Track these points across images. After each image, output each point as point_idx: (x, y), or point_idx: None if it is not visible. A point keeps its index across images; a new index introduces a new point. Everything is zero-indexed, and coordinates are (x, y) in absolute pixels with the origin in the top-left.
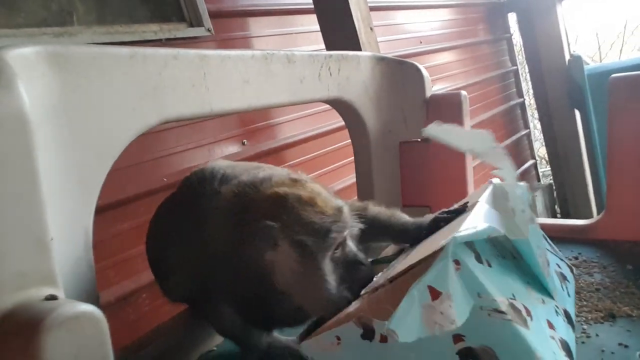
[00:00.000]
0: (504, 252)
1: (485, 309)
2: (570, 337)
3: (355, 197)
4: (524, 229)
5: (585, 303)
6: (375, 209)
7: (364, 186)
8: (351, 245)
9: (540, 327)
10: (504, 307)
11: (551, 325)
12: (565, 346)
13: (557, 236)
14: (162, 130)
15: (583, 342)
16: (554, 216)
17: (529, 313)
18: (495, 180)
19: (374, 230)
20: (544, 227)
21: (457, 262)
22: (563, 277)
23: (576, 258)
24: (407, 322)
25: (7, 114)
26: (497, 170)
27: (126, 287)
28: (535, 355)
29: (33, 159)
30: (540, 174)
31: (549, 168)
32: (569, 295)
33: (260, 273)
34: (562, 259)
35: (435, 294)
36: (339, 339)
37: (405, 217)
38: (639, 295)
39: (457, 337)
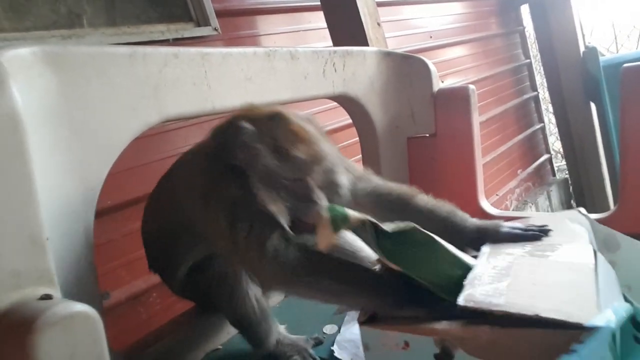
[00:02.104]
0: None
1: None
2: None
3: None
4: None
5: None
6: (426, 200)
7: None
8: (311, 184)
9: None
10: None
11: None
12: None
13: None
14: (171, 130)
15: None
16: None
17: None
18: (584, 212)
19: (425, 223)
20: None
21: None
22: None
23: None
24: None
25: (0, 114)
26: None
27: (137, 287)
28: None
29: (26, 159)
30: (556, 169)
31: (565, 162)
32: None
33: (236, 173)
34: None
35: None
36: (407, 344)
37: (470, 217)
38: None
39: None
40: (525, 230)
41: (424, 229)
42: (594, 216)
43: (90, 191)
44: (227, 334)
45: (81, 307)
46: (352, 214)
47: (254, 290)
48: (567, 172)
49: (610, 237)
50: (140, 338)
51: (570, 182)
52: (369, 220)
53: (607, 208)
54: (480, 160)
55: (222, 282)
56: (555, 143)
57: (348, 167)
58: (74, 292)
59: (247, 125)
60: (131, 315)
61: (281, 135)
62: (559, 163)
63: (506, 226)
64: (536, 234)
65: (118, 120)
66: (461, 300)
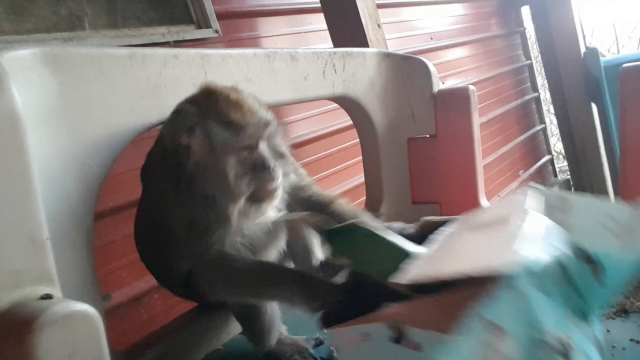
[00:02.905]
0: (556, 276)
1: (538, 343)
2: None
3: (364, 197)
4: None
5: None
6: (339, 206)
7: (372, 184)
8: (263, 152)
9: (581, 358)
10: (555, 342)
11: (586, 355)
12: None
13: None
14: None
15: None
16: None
17: (572, 345)
18: (538, 186)
19: None
20: None
21: (517, 290)
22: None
23: None
24: (459, 355)
25: None
26: None
27: (138, 288)
28: None
29: (26, 159)
30: (557, 169)
31: (566, 163)
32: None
33: (179, 161)
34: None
35: (494, 329)
36: (367, 335)
37: (370, 221)
38: None
39: None
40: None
41: None
42: None
43: (89, 191)
44: (228, 335)
45: (80, 306)
46: (299, 215)
47: None
48: (568, 173)
49: (563, 200)
50: (141, 338)
51: (572, 183)
52: (314, 221)
53: None
54: (480, 161)
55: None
56: (556, 144)
57: (294, 167)
58: (74, 293)
59: (189, 106)
60: (132, 317)
61: (224, 108)
62: (561, 164)
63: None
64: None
65: (117, 120)
66: (396, 279)
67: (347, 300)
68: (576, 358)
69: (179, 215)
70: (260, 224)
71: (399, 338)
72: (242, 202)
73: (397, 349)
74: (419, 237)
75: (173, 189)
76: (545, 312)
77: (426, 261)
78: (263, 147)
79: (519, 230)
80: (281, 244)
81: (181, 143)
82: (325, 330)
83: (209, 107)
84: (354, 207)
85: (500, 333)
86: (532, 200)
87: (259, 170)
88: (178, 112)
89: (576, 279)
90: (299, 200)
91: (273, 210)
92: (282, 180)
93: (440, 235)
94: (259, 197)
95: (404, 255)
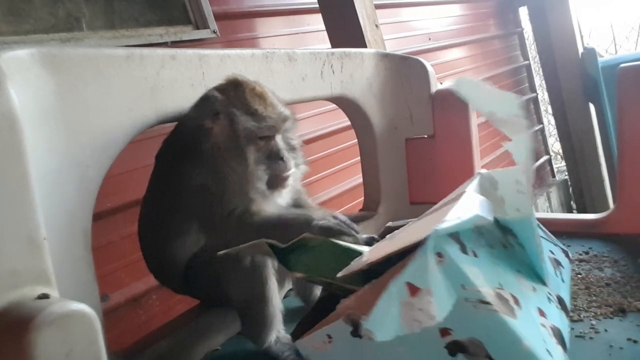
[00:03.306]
0: (493, 241)
1: (470, 301)
2: (563, 323)
3: (362, 198)
4: (525, 209)
5: (595, 298)
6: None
7: (370, 185)
8: (279, 143)
9: (529, 315)
10: (489, 297)
11: (542, 313)
12: (557, 333)
13: (568, 231)
14: (169, 132)
15: (591, 338)
16: (570, 212)
17: (517, 302)
18: (484, 171)
19: None
20: (554, 222)
21: (439, 254)
22: (557, 263)
23: (587, 253)
24: (385, 321)
25: None
26: (509, 143)
27: (137, 289)
28: (522, 343)
29: (24, 159)
30: (555, 170)
31: (564, 163)
32: (563, 281)
33: (199, 141)
34: (556, 244)
35: (414, 290)
36: (330, 337)
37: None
38: None
39: (444, 331)
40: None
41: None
42: (591, 216)
43: (87, 192)
44: (226, 335)
45: (78, 306)
46: (251, 244)
47: (274, 283)
48: (566, 173)
49: (491, 178)
50: (139, 339)
51: (569, 183)
52: (266, 243)
53: (607, 209)
54: (478, 161)
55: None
56: (554, 144)
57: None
58: (72, 293)
59: (217, 94)
60: (130, 318)
61: (249, 99)
62: (559, 164)
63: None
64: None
65: (115, 121)
66: (340, 273)
67: (316, 312)
68: (521, 313)
69: (194, 184)
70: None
71: (357, 331)
72: (258, 186)
73: (359, 341)
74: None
75: (190, 163)
76: (475, 272)
77: (371, 250)
78: (279, 138)
79: (452, 207)
80: None
81: (204, 126)
82: (296, 342)
83: (236, 96)
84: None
85: (421, 292)
86: (474, 183)
87: (274, 159)
88: (206, 98)
89: (493, 241)
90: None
91: (284, 198)
92: (294, 171)
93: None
94: (272, 184)
95: (358, 256)
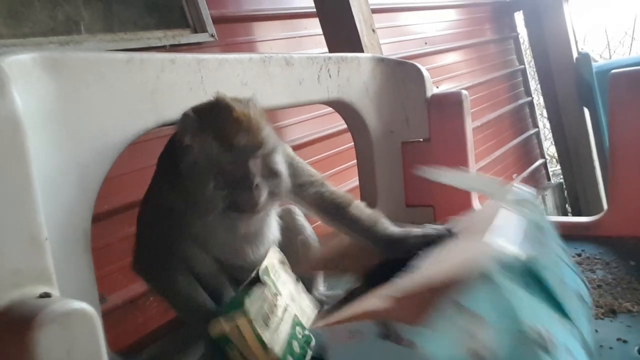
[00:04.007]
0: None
1: (514, 333)
2: None
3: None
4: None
5: None
6: (358, 210)
7: (367, 187)
8: (252, 170)
9: (563, 355)
10: (532, 333)
11: (572, 355)
12: None
13: (562, 233)
14: (168, 135)
15: None
16: (565, 215)
17: (552, 340)
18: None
19: (352, 230)
20: None
21: (494, 281)
22: (580, 298)
23: (579, 255)
24: (438, 342)
25: (1, 117)
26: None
27: (133, 291)
28: None
29: (26, 161)
30: (551, 173)
31: (559, 167)
32: (587, 320)
33: (179, 157)
34: (578, 275)
35: (471, 315)
36: (355, 333)
37: (390, 227)
38: None
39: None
40: (430, 233)
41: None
42: (584, 219)
43: (87, 193)
44: None
45: (79, 304)
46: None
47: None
48: (561, 176)
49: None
50: (136, 339)
51: (565, 186)
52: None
53: (601, 211)
54: (473, 164)
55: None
56: (550, 148)
57: (298, 167)
58: (72, 293)
59: (192, 114)
60: (128, 319)
61: (221, 124)
62: (554, 167)
63: (414, 232)
64: (443, 234)
65: (115, 124)
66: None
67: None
68: (557, 353)
69: (160, 202)
70: (240, 233)
71: (387, 334)
72: (215, 212)
73: (385, 345)
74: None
75: (166, 178)
76: (522, 305)
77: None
78: (252, 164)
79: (491, 226)
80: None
81: (184, 142)
82: (314, 329)
83: (209, 119)
84: (371, 212)
85: (477, 320)
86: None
87: (241, 187)
88: (184, 116)
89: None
90: (308, 196)
91: (258, 222)
92: (266, 197)
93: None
94: (238, 209)
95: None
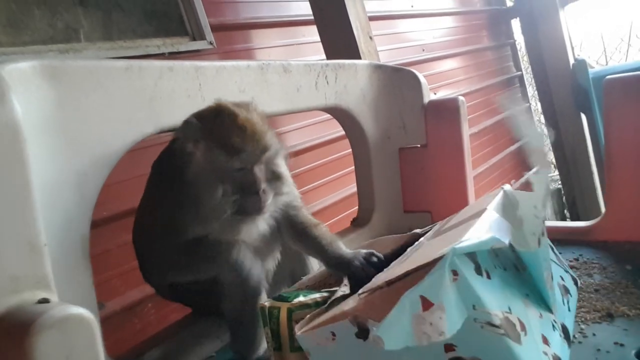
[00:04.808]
0: (507, 262)
1: (479, 322)
2: (564, 353)
3: (356, 207)
4: (532, 241)
5: (583, 303)
6: (318, 232)
7: (364, 193)
8: (257, 175)
9: (533, 342)
10: (498, 320)
11: (546, 341)
12: None
13: (559, 238)
14: (166, 142)
15: (580, 342)
16: (564, 220)
17: (523, 327)
18: (507, 187)
19: (311, 251)
20: (547, 229)
21: (455, 272)
22: (566, 290)
23: (577, 259)
24: (395, 331)
25: (0, 124)
26: (532, 174)
27: (132, 297)
28: None
29: (26, 167)
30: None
31: (557, 172)
32: (569, 309)
33: (182, 164)
34: (567, 271)
35: (427, 304)
36: (334, 335)
37: (342, 249)
38: (637, 295)
39: (449, 347)
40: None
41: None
42: (582, 224)
43: (86, 200)
44: (221, 342)
45: (77, 310)
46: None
47: (265, 299)
48: (559, 182)
49: (513, 197)
50: (134, 345)
51: (563, 192)
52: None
53: (599, 216)
54: (470, 170)
55: (236, 281)
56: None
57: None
58: (70, 299)
59: (195, 121)
60: (126, 326)
61: (226, 130)
62: (552, 173)
63: (357, 260)
64: (377, 264)
65: (114, 131)
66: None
67: None
68: (527, 338)
69: (164, 209)
70: (246, 237)
71: (363, 332)
72: (223, 217)
73: (363, 343)
74: None
75: (167, 185)
76: (486, 293)
77: (387, 270)
78: (258, 169)
79: (472, 224)
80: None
81: (187, 150)
82: (297, 335)
83: (213, 125)
84: (330, 235)
85: (434, 308)
86: (496, 200)
87: (248, 192)
88: (186, 123)
89: (506, 263)
90: (287, 217)
91: (261, 226)
92: (272, 201)
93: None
94: (246, 213)
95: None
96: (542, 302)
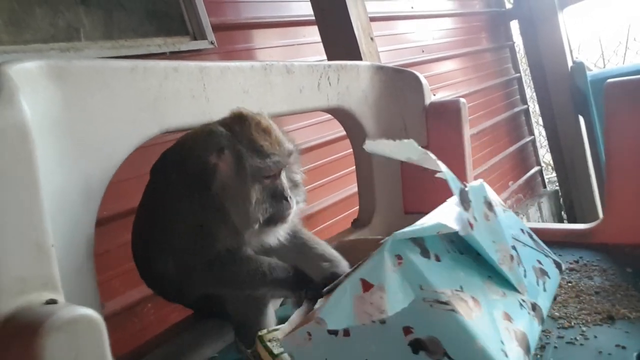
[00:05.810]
0: (465, 249)
1: (427, 301)
2: (533, 329)
3: (357, 207)
4: (465, 225)
5: (584, 306)
6: (305, 237)
7: (365, 194)
8: (284, 181)
9: (490, 317)
10: (445, 297)
11: (508, 317)
12: (522, 337)
13: (559, 241)
14: (169, 142)
15: (581, 344)
16: (561, 222)
17: (477, 304)
18: (475, 184)
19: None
20: (545, 232)
21: (399, 257)
22: (542, 273)
23: (577, 262)
24: (337, 312)
25: (9, 125)
26: (439, 173)
27: (132, 297)
28: (476, 342)
29: (34, 168)
30: (546, 180)
31: (555, 174)
32: (544, 290)
33: (204, 177)
34: (547, 255)
35: (367, 285)
36: (309, 334)
37: (329, 255)
38: (638, 298)
39: (407, 329)
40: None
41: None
42: (581, 226)
43: (91, 200)
44: (223, 342)
45: (85, 311)
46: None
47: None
48: (557, 184)
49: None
50: (134, 347)
51: (560, 193)
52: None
53: (596, 219)
54: (471, 172)
55: (244, 276)
56: (545, 155)
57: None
58: (74, 299)
59: (222, 129)
60: (126, 326)
61: (255, 135)
62: (550, 175)
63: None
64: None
65: (119, 131)
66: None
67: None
68: (483, 315)
69: (189, 221)
70: (269, 244)
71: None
72: (256, 226)
73: (335, 339)
74: None
75: (189, 198)
76: (433, 274)
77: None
78: (283, 176)
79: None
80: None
81: (209, 162)
82: (281, 340)
83: (242, 131)
84: (332, 252)
85: (374, 288)
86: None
87: (278, 199)
88: (210, 133)
89: (465, 249)
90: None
91: (282, 233)
92: (295, 209)
93: None
94: (272, 220)
95: None
96: (508, 282)
